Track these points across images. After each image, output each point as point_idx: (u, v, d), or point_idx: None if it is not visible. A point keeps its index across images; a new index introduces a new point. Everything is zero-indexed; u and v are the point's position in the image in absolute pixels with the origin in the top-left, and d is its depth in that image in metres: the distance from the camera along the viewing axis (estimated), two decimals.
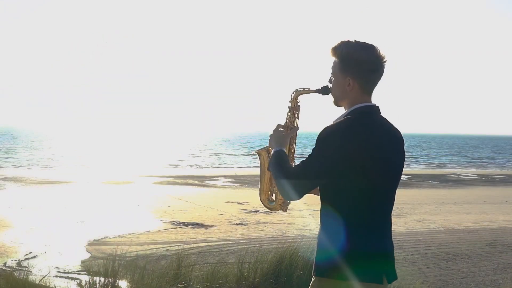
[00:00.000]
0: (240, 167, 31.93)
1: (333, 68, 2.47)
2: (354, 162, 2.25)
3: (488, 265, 8.11)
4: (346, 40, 2.43)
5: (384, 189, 2.37)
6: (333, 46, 2.45)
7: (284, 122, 2.68)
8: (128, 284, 5.32)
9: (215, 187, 19.25)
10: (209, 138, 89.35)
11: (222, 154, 46.32)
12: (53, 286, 5.63)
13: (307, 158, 2.34)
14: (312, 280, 2.39)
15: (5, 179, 19.65)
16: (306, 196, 2.57)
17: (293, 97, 2.68)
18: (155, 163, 31.92)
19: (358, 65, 2.38)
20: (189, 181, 20.80)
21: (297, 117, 2.68)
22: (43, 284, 5.51)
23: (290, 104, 2.69)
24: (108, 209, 12.91)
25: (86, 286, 5.28)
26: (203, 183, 20.21)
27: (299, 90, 2.68)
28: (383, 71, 2.42)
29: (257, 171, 2.81)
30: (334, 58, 2.47)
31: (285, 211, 2.72)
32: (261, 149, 2.74)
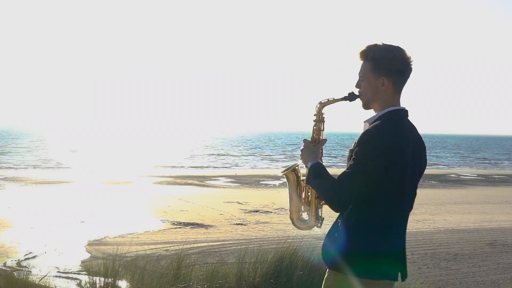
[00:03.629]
0: (240, 167, 31.95)
1: (362, 71, 2.48)
2: (391, 167, 2.30)
3: (488, 265, 8.11)
4: (373, 43, 2.46)
5: (409, 192, 2.43)
6: (362, 50, 2.46)
7: (311, 136, 2.64)
8: (128, 284, 5.32)
9: (215, 187, 19.24)
10: (210, 138, 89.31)
11: (222, 154, 46.33)
12: (53, 286, 5.63)
13: (352, 167, 2.32)
14: (327, 274, 2.45)
15: (5, 179, 19.65)
16: None
17: (318, 109, 2.63)
18: (155, 163, 31.91)
19: (392, 64, 2.41)
20: (189, 181, 20.79)
21: (323, 130, 2.64)
22: (43, 284, 5.51)
23: (315, 117, 2.64)
24: (108, 209, 12.90)
25: (86, 286, 5.29)
26: (203, 183, 20.21)
27: (322, 102, 2.62)
28: (411, 70, 2.47)
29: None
30: (362, 62, 2.48)
31: (320, 227, 2.65)
32: (288, 170, 2.70)
